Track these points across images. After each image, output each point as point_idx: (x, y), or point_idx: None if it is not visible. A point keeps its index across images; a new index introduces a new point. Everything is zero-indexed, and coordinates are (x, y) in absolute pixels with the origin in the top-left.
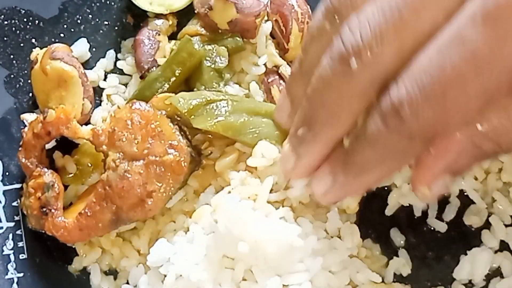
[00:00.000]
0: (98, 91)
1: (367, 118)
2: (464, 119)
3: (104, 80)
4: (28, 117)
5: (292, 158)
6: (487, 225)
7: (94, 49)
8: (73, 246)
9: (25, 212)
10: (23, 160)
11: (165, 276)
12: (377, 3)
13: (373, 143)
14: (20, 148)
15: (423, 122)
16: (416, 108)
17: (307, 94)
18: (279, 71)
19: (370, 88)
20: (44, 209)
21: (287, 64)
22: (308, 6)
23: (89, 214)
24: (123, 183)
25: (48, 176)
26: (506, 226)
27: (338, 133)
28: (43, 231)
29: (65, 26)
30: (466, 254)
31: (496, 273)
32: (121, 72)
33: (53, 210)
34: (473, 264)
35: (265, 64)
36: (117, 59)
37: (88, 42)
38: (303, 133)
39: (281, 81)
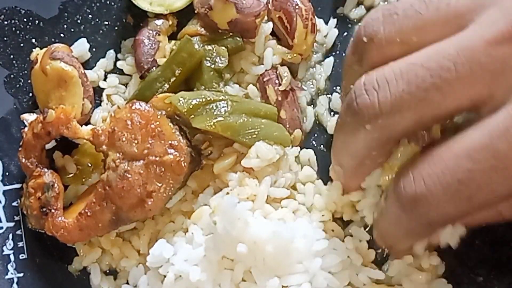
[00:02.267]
0: (98, 91)
1: (386, 199)
2: (484, 210)
3: (104, 80)
4: (28, 117)
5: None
6: None
7: (94, 49)
8: (73, 246)
9: (25, 212)
10: (23, 160)
11: (165, 276)
12: (401, 66)
13: (394, 225)
14: (20, 148)
15: (443, 214)
16: (437, 203)
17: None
18: (277, 72)
19: (385, 143)
20: (44, 209)
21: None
22: (310, 3)
23: (89, 214)
24: (123, 183)
25: (48, 176)
26: None
27: (358, 178)
28: (43, 231)
29: (65, 26)
30: None
31: None
32: (121, 72)
33: (53, 210)
34: None
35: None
36: (117, 59)
37: (88, 42)
38: (338, 170)
39: (277, 81)
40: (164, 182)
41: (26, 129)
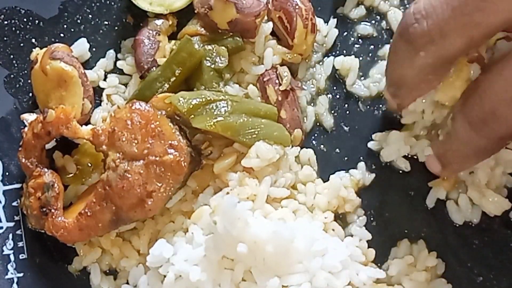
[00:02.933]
0: (98, 91)
1: (453, 120)
2: None
3: (104, 80)
4: (28, 117)
5: (394, 104)
6: None
7: (94, 49)
8: (73, 246)
9: (25, 212)
10: (23, 160)
11: (165, 276)
12: None
13: (465, 144)
14: (20, 148)
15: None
16: (506, 117)
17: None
18: (277, 71)
19: (440, 67)
20: (44, 209)
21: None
22: (310, 3)
23: (89, 214)
24: (123, 183)
25: (48, 176)
26: None
27: (418, 94)
28: (43, 231)
29: (65, 26)
30: None
31: None
32: (121, 72)
33: (53, 210)
34: None
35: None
36: (117, 59)
37: (88, 42)
38: (394, 91)
39: (277, 81)
40: (164, 182)
41: (26, 129)
